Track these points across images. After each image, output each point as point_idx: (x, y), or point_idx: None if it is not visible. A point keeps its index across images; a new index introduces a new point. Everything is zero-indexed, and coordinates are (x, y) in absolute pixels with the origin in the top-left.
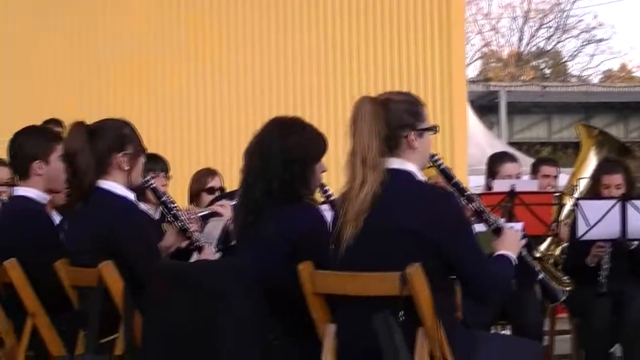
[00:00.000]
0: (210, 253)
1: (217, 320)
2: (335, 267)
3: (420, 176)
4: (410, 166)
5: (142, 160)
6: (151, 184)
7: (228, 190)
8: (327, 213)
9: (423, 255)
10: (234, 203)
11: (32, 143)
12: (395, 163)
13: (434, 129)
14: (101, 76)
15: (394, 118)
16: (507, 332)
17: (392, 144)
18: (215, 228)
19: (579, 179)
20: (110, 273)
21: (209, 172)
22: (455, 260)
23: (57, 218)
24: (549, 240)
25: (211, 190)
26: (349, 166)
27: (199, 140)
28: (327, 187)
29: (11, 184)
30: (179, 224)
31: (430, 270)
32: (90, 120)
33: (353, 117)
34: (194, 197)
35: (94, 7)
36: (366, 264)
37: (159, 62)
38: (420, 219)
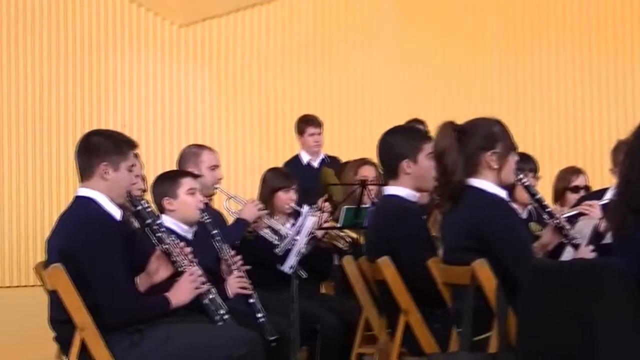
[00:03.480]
0: (587, 252)
1: (594, 323)
2: None
3: None
4: None
5: (513, 158)
6: (524, 181)
7: (594, 189)
8: None
9: None
10: (602, 202)
11: (401, 142)
12: None
13: None
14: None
15: None
16: None
17: None
18: (585, 226)
19: None
20: (483, 271)
21: (574, 171)
22: None
23: None
24: None
25: (576, 189)
26: None
27: (561, 138)
28: None
29: (377, 183)
30: (554, 221)
31: None
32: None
33: None
34: (559, 195)
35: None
36: None
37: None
38: None
